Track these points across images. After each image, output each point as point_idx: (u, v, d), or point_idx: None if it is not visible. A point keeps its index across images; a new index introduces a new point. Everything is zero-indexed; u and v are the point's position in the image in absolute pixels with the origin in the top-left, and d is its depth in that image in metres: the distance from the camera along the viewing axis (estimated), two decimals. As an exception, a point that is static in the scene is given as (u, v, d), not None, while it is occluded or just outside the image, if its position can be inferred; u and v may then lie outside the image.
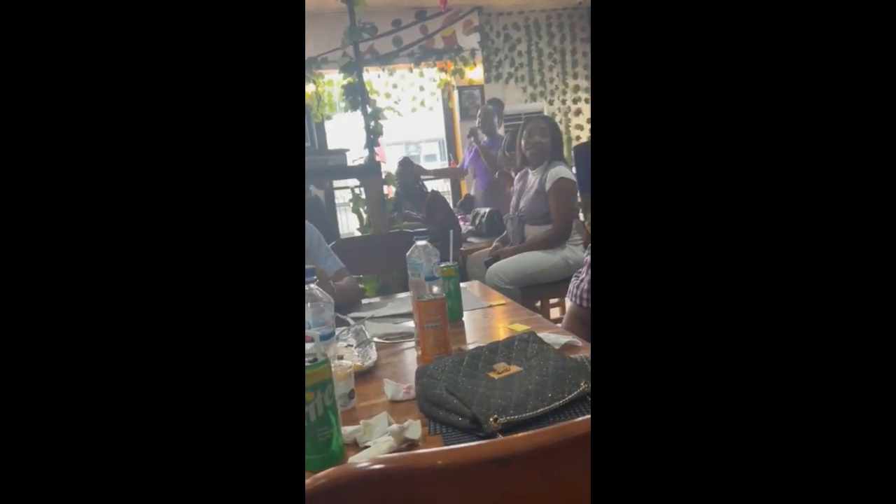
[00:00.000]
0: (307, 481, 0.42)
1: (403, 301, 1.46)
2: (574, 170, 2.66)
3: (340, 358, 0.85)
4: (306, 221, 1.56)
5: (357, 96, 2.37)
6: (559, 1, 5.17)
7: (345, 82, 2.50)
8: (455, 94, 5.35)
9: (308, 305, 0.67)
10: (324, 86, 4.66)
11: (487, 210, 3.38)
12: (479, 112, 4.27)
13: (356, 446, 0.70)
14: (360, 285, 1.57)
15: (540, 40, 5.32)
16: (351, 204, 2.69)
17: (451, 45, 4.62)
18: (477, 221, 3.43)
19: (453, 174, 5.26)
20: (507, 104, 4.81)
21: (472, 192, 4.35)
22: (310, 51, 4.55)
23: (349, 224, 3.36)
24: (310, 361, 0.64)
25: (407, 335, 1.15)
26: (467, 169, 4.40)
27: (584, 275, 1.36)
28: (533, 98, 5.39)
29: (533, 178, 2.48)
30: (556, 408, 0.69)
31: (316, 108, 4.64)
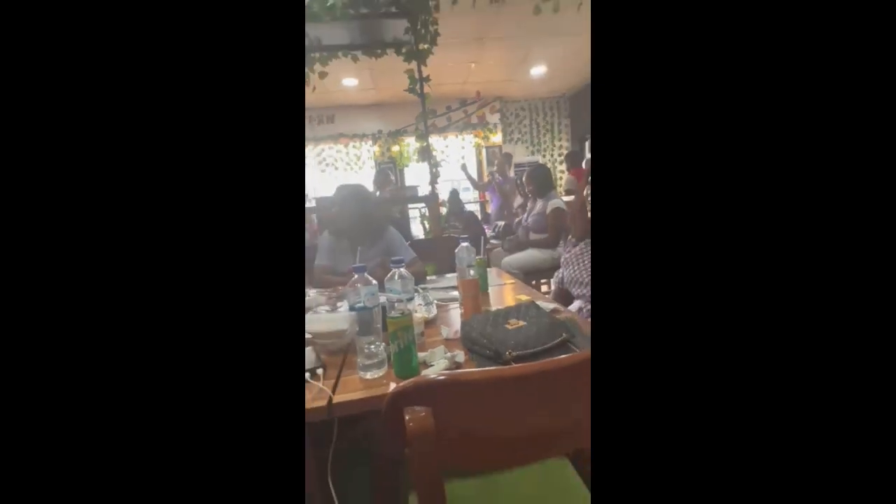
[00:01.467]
0: (401, 384, 0.44)
1: (451, 279, 1.44)
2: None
3: (416, 312, 0.86)
4: (392, 228, 1.60)
5: (424, 153, 2.39)
6: (551, 93, 5.18)
7: (417, 145, 2.53)
8: (483, 151, 5.35)
9: (399, 280, 0.69)
10: (404, 146, 4.73)
11: (502, 223, 3.42)
12: (496, 162, 4.24)
13: (426, 365, 0.70)
14: (425, 268, 1.58)
15: (538, 117, 5.32)
16: (419, 218, 2.74)
17: (481, 121, 4.78)
18: (495, 230, 3.48)
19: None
20: (515, 157, 4.76)
21: (489, 212, 4.33)
22: (396, 125, 4.63)
23: (418, 231, 3.42)
24: (399, 314, 0.64)
25: (454, 300, 1.14)
26: (488, 197, 4.41)
27: (562, 267, 1.33)
28: (532, 153, 5.36)
29: (538, 204, 2.47)
30: (547, 348, 0.68)
31: (399, 160, 4.71)
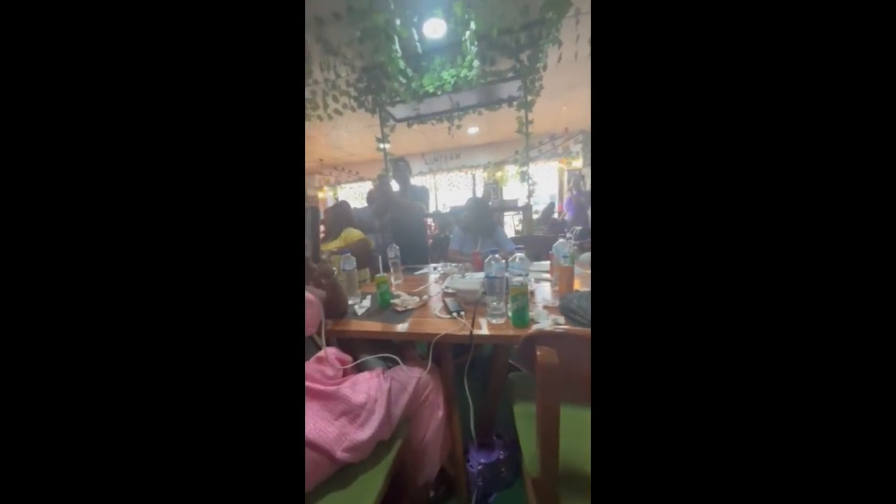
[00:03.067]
0: (533, 330, 0.44)
1: (538, 265, 1.35)
2: None
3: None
4: (500, 228, 1.59)
5: (524, 176, 2.28)
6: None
7: (517, 170, 2.43)
8: (565, 174, 4.78)
9: (519, 262, 0.69)
10: (505, 172, 4.59)
11: (579, 228, 3.05)
12: (572, 181, 3.76)
13: (533, 321, 0.67)
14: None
15: (617, 144, 4.43)
16: (516, 222, 2.64)
17: (566, 150, 4.19)
18: (571, 233, 3.13)
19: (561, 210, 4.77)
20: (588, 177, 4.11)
21: (566, 219, 3.90)
22: (500, 157, 4.52)
23: (509, 232, 3.35)
24: (519, 283, 0.64)
25: (545, 279, 1.07)
26: (565, 207, 3.98)
27: None
28: (609, 173, 4.53)
29: None
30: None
31: (500, 182, 4.60)
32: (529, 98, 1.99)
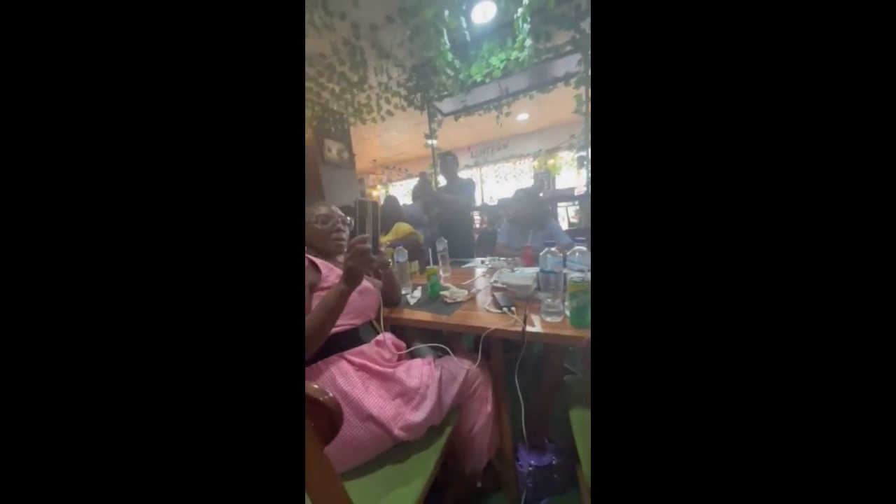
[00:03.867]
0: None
1: None
2: None
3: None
4: (553, 220, 1.48)
5: (581, 161, 2.06)
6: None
7: (573, 155, 2.20)
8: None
9: (579, 255, 0.62)
10: (558, 159, 4.23)
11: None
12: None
13: None
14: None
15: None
16: (571, 214, 2.41)
17: None
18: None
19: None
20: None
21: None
22: (555, 142, 4.17)
23: (565, 224, 3.08)
24: (580, 279, 0.58)
25: None
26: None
27: None
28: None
29: None
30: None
31: (552, 170, 4.26)
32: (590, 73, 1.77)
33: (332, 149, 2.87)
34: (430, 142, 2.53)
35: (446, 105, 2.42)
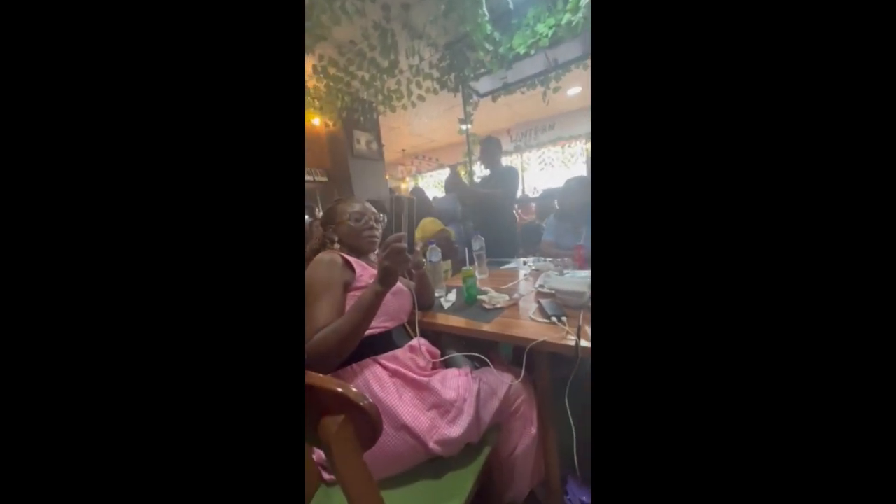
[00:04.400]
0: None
1: None
2: None
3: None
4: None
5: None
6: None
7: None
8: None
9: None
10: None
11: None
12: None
13: None
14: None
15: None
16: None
17: None
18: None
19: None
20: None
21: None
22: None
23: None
24: None
25: None
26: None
27: None
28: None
29: None
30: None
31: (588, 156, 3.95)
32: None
33: (361, 140, 3.04)
34: (464, 127, 2.53)
35: (483, 84, 2.39)
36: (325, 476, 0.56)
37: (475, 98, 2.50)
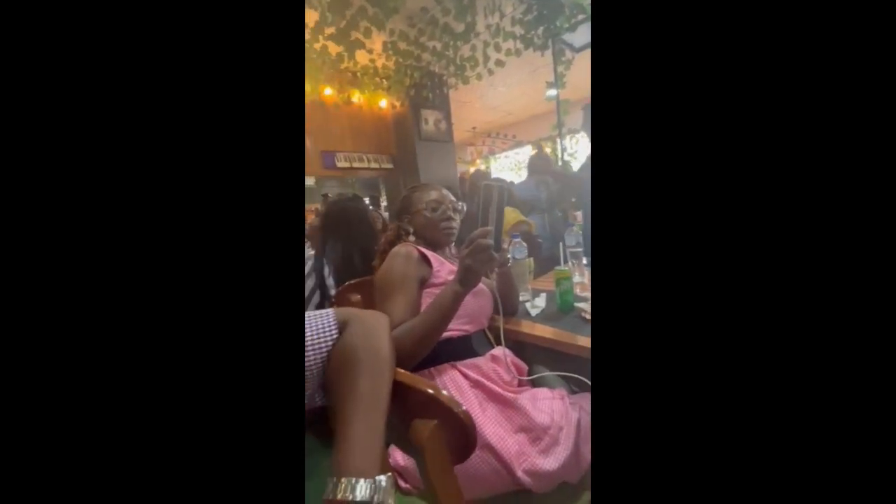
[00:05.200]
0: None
1: None
2: None
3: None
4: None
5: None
6: None
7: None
8: None
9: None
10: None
11: None
12: None
13: None
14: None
15: None
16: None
17: None
18: None
19: None
20: None
21: None
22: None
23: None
24: None
25: None
26: None
27: None
28: None
29: None
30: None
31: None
32: None
33: (430, 120, 3.18)
34: (552, 92, 2.40)
35: (579, 36, 2.22)
36: (402, 484, 0.58)
37: (568, 55, 2.34)
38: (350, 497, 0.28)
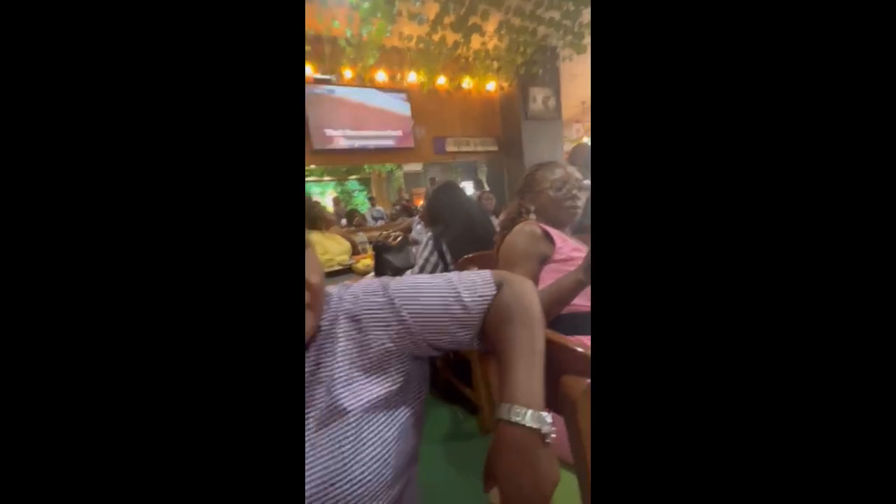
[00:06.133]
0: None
1: None
2: None
3: None
4: None
5: None
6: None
7: None
8: None
9: None
10: None
11: None
12: None
13: None
14: None
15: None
16: None
17: None
18: None
19: None
20: None
21: None
22: None
23: None
24: None
25: None
26: None
27: None
28: None
29: None
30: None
31: None
32: None
33: (538, 97, 3.04)
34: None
35: None
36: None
37: None
38: (520, 421, 0.32)
